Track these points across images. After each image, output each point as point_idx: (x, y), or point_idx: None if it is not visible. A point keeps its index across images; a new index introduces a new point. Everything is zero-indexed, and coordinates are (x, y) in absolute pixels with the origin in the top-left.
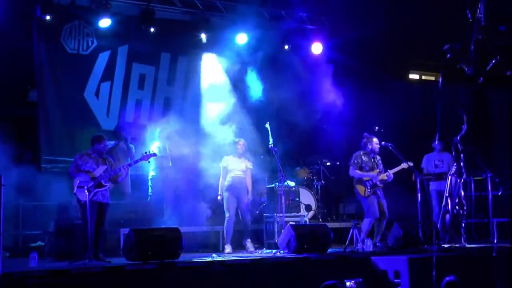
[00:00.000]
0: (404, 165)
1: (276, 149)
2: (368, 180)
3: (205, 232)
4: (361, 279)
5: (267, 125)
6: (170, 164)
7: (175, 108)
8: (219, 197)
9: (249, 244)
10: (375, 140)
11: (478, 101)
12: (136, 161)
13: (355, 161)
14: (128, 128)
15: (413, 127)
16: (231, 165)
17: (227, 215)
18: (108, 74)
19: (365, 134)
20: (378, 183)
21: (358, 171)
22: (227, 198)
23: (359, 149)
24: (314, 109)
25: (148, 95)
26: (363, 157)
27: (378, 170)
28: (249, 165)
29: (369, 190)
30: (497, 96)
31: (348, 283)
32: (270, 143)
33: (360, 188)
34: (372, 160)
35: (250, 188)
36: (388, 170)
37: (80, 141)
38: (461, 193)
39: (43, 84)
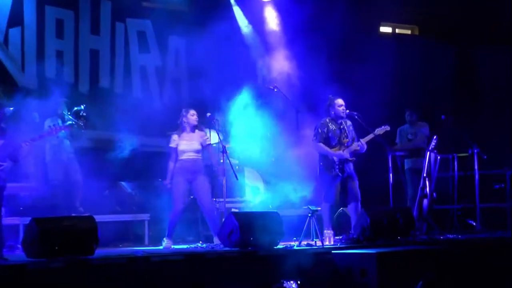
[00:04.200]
0: (371, 135)
1: (216, 119)
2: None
3: (127, 222)
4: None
5: None
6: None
7: (103, 64)
8: (168, 184)
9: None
10: (339, 101)
11: (462, 61)
12: (42, 136)
13: (319, 131)
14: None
15: (385, 93)
16: (181, 146)
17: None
18: (16, 18)
19: (329, 96)
20: (348, 157)
21: (323, 146)
22: (175, 184)
23: (322, 117)
24: (267, 71)
25: (70, 46)
26: (329, 124)
27: (347, 139)
28: (207, 140)
29: (337, 168)
30: (484, 55)
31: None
32: (208, 112)
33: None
34: (340, 127)
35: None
36: (360, 140)
37: None
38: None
39: None
